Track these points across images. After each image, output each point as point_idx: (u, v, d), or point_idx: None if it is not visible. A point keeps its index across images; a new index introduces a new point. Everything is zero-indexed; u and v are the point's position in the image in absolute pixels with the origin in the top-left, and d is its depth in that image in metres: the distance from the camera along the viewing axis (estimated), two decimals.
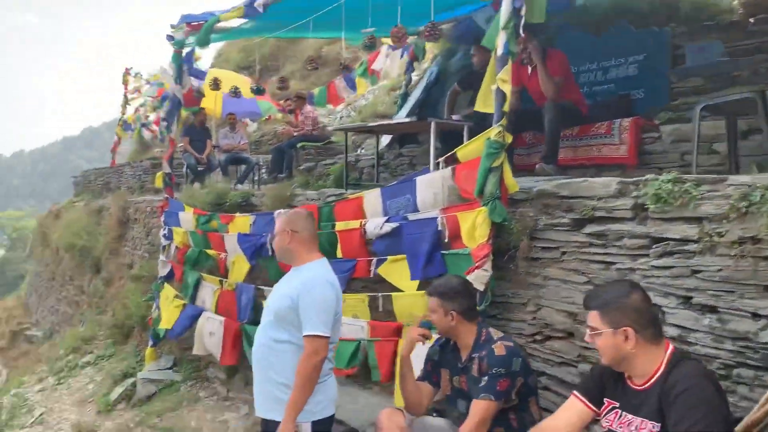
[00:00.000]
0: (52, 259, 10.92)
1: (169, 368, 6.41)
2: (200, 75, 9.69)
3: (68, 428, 6.01)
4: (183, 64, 6.72)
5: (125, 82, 14.73)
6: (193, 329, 5.69)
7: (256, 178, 9.41)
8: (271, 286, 5.42)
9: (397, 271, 4.20)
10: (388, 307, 4.28)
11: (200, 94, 9.50)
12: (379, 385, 4.40)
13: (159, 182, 7.03)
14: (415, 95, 7.75)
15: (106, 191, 11.27)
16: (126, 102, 14.97)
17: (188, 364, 6.34)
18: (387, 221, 4.30)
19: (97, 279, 9.31)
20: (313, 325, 2.83)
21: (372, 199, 4.55)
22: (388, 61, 8.55)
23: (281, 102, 11.97)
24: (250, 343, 5.22)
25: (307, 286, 2.89)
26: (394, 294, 4.18)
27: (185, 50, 6.67)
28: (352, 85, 10.60)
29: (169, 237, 6.69)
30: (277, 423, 2.86)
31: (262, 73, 14.24)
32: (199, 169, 9.70)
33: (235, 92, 9.38)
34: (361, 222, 4.53)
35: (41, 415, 6.39)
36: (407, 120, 5.72)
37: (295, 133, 9.30)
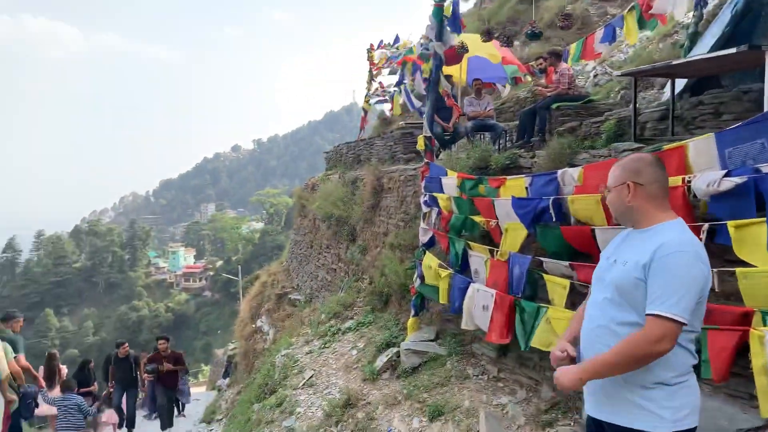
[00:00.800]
0: (309, 229, 11.57)
1: (432, 340, 6.12)
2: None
3: (337, 393, 6.06)
4: (444, 19, 6.29)
5: (370, 58, 15.20)
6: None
7: (502, 145, 8.79)
8: (549, 257, 4.80)
9: (748, 239, 3.20)
10: (728, 288, 3.32)
11: (463, 50, 9.06)
12: (710, 384, 3.47)
13: (421, 145, 6.74)
14: (714, 31, 6.35)
15: (356, 163, 11.62)
16: (371, 77, 15.46)
17: (452, 338, 5.99)
18: (728, 175, 3.31)
19: (354, 247, 9.57)
20: (668, 303, 2.07)
21: (702, 147, 3.56)
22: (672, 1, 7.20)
23: (532, 63, 11.18)
24: (524, 321, 4.63)
25: (666, 253, 2.12)
26: (740, 270, 3.20)
27: (447, 3, 6.23)
28: (612, 38, 9.43)
29: (431, 203, 6.38)
30: (624, 429, 2.19)
31: (500, 39, 13.56)
32: (445, 137, 9.39)
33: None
34: (683, 178, 3.60)
35: (311, 377, 6.59)
36: (728, 52, 4.51)
37: (549, 93, 8.43)
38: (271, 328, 10.83)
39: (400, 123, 11.94)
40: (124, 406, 10.90)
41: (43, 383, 8.37)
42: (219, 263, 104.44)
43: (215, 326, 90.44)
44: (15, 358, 6.96)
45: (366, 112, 15.78)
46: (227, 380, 14.99)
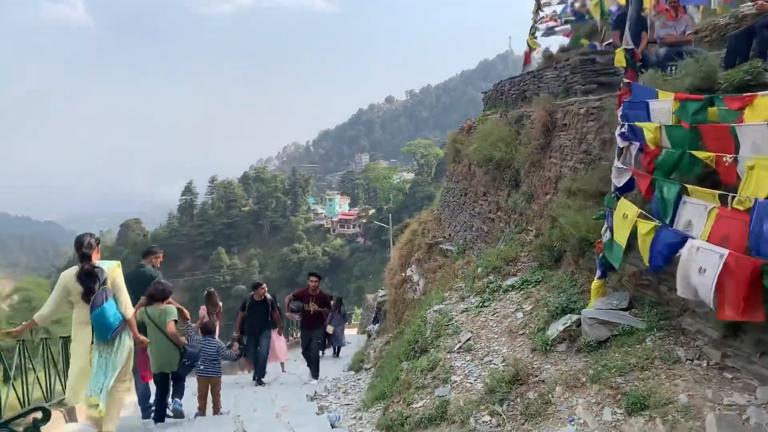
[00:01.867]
0: (463, 175, 10.53)
1: (624, 309, 4.86)
2: None
3: (500, 362, 5.09)
4: None
5: None
6: (675, 262, 3.96)
7: None
8: None
9: None
10: None
11: None
12: None
13: (620, 60, 5.34)
14: None
15: (521, 101, 10.27)
16: (538, 7, 13.78)
17: (652, 308, 4.69)
18: None
19: (517, 194, 8.40)
20: None
21: None
22: None
23: None
24: None
25: None
26: None
27: None
28: None
29: (629, 137, 5.00)
30: None
31: None
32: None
33: None
34: None
35: (468, 340, 5.68)
36: None
37: None
38: (421, 278, 10.10)
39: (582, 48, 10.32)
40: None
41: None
42: (371, 211, 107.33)
43: (367, 271, 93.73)
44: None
45: (531, 48, 14.16)
46: (377, 326, 14.70)
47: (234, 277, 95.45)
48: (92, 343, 5.23)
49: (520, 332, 5.50)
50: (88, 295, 5.18)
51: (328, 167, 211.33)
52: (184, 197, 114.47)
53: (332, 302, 16.29)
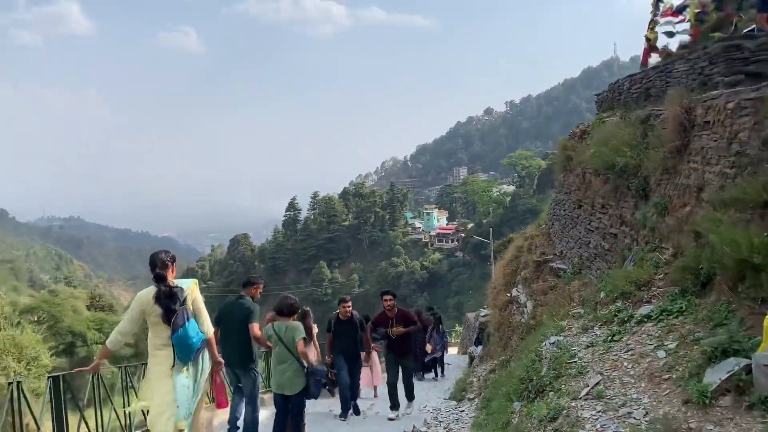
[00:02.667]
0: (577, 185, 9.40)
1: None
2: None
3: (642, 417, 4.05)
4: None
5: None
6: None
7: None
8: None
9: None
10: None
11: None
12: None
13: None
14: None
15: (643, 100, 9.03)
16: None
17: None
18: None
19: (646, 206, 7.22)
20: None
21: None
22: None
23: None
24: None
25: None
26: None
27: None
28: None
29: None
30: None
31: None
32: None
33: None
34: None
35: (597, 384, 4.67)
36: None
37: None
38: (528, 299, 9.06)
39: (716, 35, 8.94)
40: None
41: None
42: (470, 225, 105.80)
43: (466, 286, 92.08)
44: (250, 326, 6.38)
45: (651, 45, 12.70)
46: (479, 350, 13.72)
47: (335, 290, 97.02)
48: (173, 366, 4.90)
49: (665, 377, 4.42)
50: (168, 316, 4.87)
51: (426, 181, 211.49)
52: (288, 213, 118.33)
53: (423, 318, 15.43)
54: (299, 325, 6.43)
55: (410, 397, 9.08)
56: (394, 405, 8.73)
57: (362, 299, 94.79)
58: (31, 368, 6.71)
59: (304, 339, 6.34)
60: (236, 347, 6.42)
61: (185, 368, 4.95)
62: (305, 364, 6.27)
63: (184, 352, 4.89)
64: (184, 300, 4.98)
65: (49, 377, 5.98)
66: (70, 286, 74.53)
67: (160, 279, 4.97)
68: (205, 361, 5.15)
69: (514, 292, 9.79)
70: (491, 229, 48.06)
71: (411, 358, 9.31)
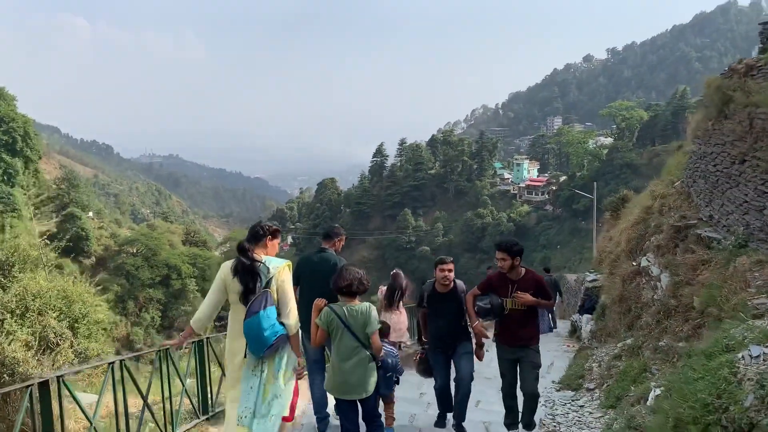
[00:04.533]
0: (739, 134, 7.60)
1: None
2: None
3: None
4: None
5: None
6: None
7: None
8: None
9: None
10: None
11: None
12: None
13: None
14: None
15: None
16: None
17: None
18: None
19: None
20: None
21: None
22: None
23: None
24: None
25: None
26: None
27: None
28: None
29: None
30: None
31: None
32: None
33: None
34: None
35: None
36: None
37: None
38: (663, 272, 7.59)
39: None
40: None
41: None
42: (562, 178, 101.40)
43: (554, 241, 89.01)
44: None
45: None
46: (586, 319, 12.35)
47: (418, 238, 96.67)
48: (245, 356, 4.12)
49: None
50: (246, 295, 4.05)
51: (518, 131, 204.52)
52: (375, 159, 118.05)
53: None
54: (371, 308, 4.60)
55: (531, 425, 5.74)
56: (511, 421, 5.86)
57: (446, 249, 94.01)
58: (79, 326, 6.15)
59: (380, 330, 4.69)
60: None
61: (256, 365, 4.13)
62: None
63: (255, 345, 4.04)
64: (268, 282, 4.09)
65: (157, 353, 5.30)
66: (167, 221, 78.42)
67: (241, 250, 4.16)
68: (286, 364, 4.26)
69: (643, 262, 8.31)
70: (595, 183, 45.09)
71: (537, 349, 5.70)
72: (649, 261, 8.21)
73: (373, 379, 4.60)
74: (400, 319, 7.69)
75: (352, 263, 5.07)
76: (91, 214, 58.73)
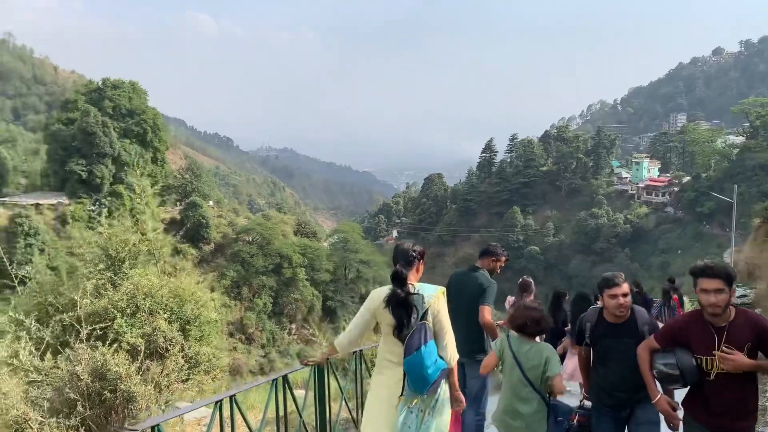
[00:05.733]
0: None
1: None
2: None
3: None
4: None
5: None
6: None
7: None
8: None
9: None
10: None
11: None
12: None
13: None
14: None
15: None
16: None
17: None
18: None
19: None
20: None
21: None
22: None
23: None
24: None
25: None
26: None
27: None
28: None
29: None
30: None
31: None
32: None
33: None
34: None
35: None
36: None
37: None
38: None
39: None
40: None
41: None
42: (686, 179, 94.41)
43: (675, 245, 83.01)
44: (480, 308, 4.76)
45: None
46: None
47: (527, 237, 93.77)
48: (401, 395, 3.72)
49: None
50: (400, 329, 3.67)
51: (638, 128, 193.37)
52: (484, 154, 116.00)
53: (646, 296, 12.61)
54: (552, 351, 4.19)
55: None
56: None
57: (556, 249, 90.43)
58: (190, 329, 5.87)
59: (560, 375, 4.16)
60: (462, 331, 4.62)
61: (415, 400, 3.71)
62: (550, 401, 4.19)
63: (418, 384, 3.64)
64: (425, 313, 3.67)
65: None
66: (281, 212, 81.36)
67: (397, 278, 3.73)
68: (446, 397, 3.81)
69: None
70: (735, 186, 41.22)
71: None
72: None
73: (541, 427, 4.20)
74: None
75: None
76: (211, 202, 61.91)
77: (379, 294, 3.81)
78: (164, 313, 5.97)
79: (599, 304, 4.32)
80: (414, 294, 3.68)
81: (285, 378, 4.83)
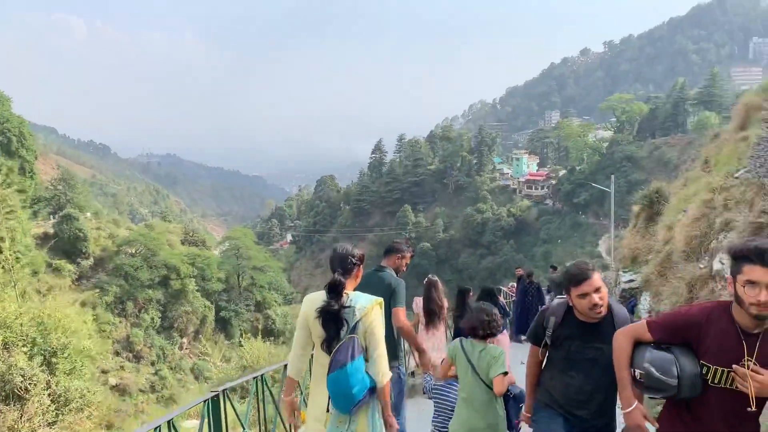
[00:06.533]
0: None
1: None
2: None
3: None
4: None
5: None
6: None
7: None
8: None
9: None
10: None
11: None
12: None
13: None
14: None
15: None
16: None
17: None
18: None
19: None
20: None
21: None
22: None
23: None
24: None
25: None
26: None
27: None
28: None
29: None
30: None
31: None
32: None
33: None
34: None
35: None
36: None
37: None
38: None
39: None
40: None
41: (417, 356, 5.27)
42: (562, 172, 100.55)
43: (555, 235, 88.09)
44: (393, 311, 4.37)
45: None
46: None
47: (419, 234, 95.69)
48: (327, 410, 3.42)
49: None
50: (329, 343, 3.35)
51: (516, 125, 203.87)
52: (374, 155, 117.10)
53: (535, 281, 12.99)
54: (501, 352, 4.24)
55: None
56: None
57: (446, 244, 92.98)
58: (57, 361, 5.05)
59: (505, 374, 4.17)
60: None
61: (343, 420, 3.37)
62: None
63: (341, 402, 3.30)
64: (355, 326, 3.33)
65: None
66: (165, 221, 77.23)
67: (334, 289, 3.34)
68: (377, 420, 3.45)
69: (716, 265, 7.24)
70: (613, 176, 44.04)
71: None
72: (723, 263, 7.12)
73: (499, 426, 4.21)
74: (441, 339, 6.51)
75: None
76: (89, 214, 57.56)
77: (312, 302, 3.44)
78: (23, 346, 5.05)
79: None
80: (346, 307, 3.35)
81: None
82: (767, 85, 11.51)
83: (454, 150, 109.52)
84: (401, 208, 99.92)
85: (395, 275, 4.83)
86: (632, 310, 11.74)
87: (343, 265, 3.48)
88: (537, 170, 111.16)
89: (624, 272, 13.50)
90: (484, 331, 4.27)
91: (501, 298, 12.76)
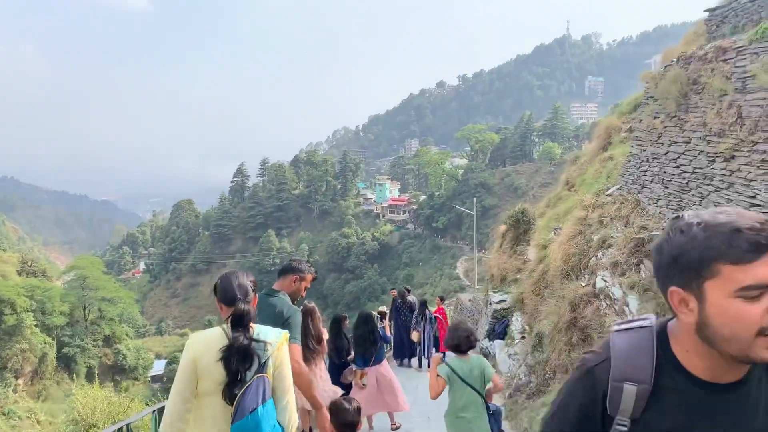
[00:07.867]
0: (718, 125, 6.55)
1: None
2: None
3: None
4: None
5: None
6: None
7: None
8: None
9: None
10: None
11: None
12: None
13: None
14: None
15: None
16: None
17: None
18: None
19: None
20: None
21: None
22: None
23: None
24: None
25: None
26: None
27: None
28: None
29: None
30: None
31: None
32: None
33: None
34: None
35: None
36: None
37: None
38: (627, 293, 6.36)
39: None
40: None
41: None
42: (422, 197, 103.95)
43: (417, 258, 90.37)
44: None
45: None
46: (499, 345, 11.05)
47: (283, 260, 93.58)
48: None
49: None
50: (232, 387, 2.56)
51: (378, 152, 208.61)
52: (235, 179, 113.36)
53: (408, 301, 12.69)
54: (484, 360, 4.86)
55: None
56: None
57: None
58: None
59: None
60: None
61: None
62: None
63: None
64: (264, 364, 2.66)
65: None
66: None
67: (239, 321, 2.64)
68: None
69: (599, 282, 7.03)
70: (475, 198, 45.48)
71: None
72: (605, 281, 6.92)
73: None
74: (324, 373, 5.66)
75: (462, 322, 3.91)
76: None
77: (206, 343, 2.64)
78: None
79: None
80: (256, 341, 2.65)
81: None
82: (625, 109, 12.03)
83: (318, 174, 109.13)
84: (265, 234, 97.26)
85: (290, 302, 3.87)
86: (505, 330, 11.53)
87: (245, 293, 2.80)
88: (399, 195, 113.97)
89: (494, 292, 13.36)
90: (467, 346, 4.68)
91: (384, 322, 12.07)
